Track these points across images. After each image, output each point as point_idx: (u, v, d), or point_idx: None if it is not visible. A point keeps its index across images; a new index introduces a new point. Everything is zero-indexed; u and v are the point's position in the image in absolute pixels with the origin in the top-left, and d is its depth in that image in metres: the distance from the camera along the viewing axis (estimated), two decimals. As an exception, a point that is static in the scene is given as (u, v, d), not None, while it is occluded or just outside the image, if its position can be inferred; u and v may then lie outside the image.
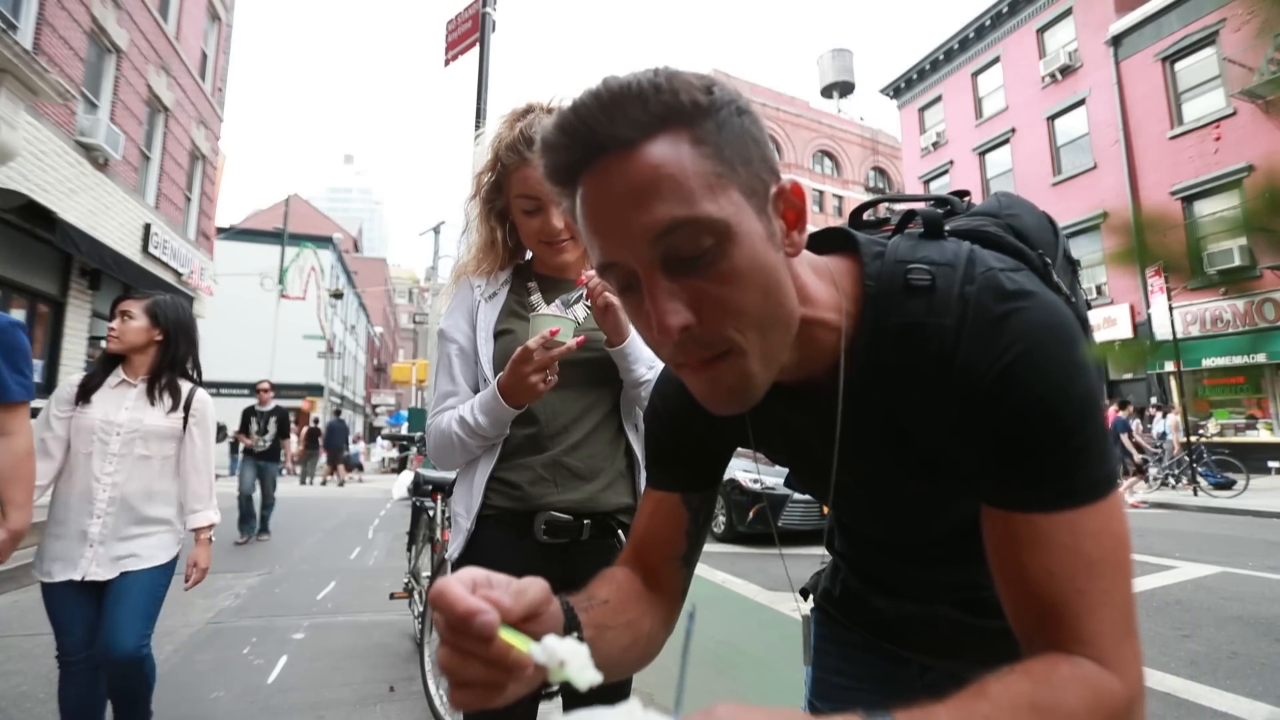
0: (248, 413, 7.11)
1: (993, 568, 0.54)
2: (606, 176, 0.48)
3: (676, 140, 0.48)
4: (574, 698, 1.09)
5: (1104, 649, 0.48)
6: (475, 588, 0.42)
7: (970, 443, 0.54)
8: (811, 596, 0.94)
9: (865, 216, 0.75)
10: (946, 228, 0.65)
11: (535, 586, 0.46)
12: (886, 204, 0.75)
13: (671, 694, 0.41)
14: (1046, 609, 0.50)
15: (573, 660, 0.41)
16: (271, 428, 7.04)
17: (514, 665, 0.41)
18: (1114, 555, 0.50)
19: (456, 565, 1.24)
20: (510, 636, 0.41)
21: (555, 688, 0.46)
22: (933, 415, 0.57)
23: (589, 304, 1.31)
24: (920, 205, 0.68)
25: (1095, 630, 0.48)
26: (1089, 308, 0.77)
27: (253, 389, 8.07)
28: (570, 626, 0.53)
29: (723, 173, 0.49)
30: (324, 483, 16.64)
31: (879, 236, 0.66)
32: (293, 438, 18.11)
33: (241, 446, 7.19)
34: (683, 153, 0.48)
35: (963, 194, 0.73)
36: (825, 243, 0.66)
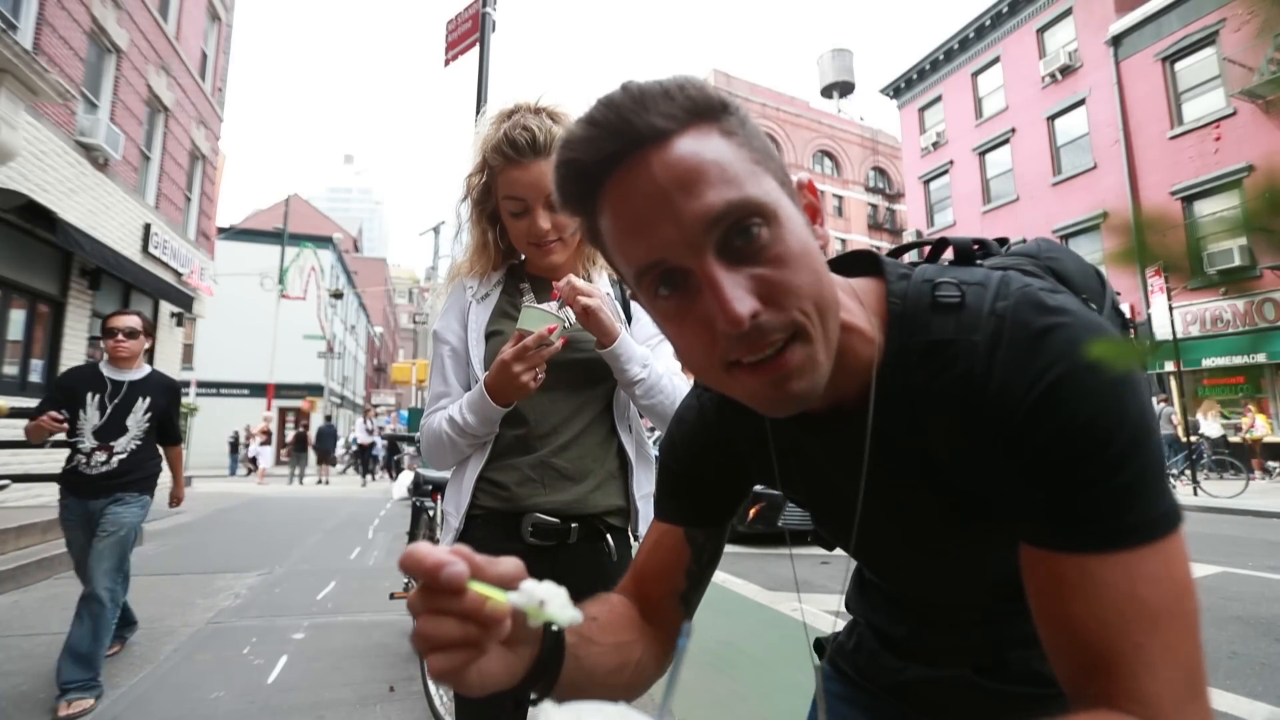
0: (72, 378, 3.11)
1: (1035, 615, 0.49)
2: (646, 168, 0.47)
3: (707, 133, 0.48)
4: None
5: (1164, 712, 0.42)
6: (446, 550, 0.42)
7: (1007, 474, 0.49)
8: (825, 653, 0.88)
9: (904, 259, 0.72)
10: (979, 262, 0.62)
11: (508, 561, 0.43)
12: (929, 246, 0.71)
13: (674, 696, 0.41)
14: (1098, 662, 0.44)
15: (553, 599, 0.40)
16: (134, 418, 3.00)
17: (489, 618, 0.40)
18: (1177, 605, 0.44)
19: None
20: (483, 589, 0.40)
21: (535, 697, 0.45)
22: (965, 443, 0.52)
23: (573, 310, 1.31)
24: (957, 240, 0.66)
25: (1155, 691, 0.42)
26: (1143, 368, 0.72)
27: (253, 389, 7.90)
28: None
29: (759, 160, 0.49)
30: (319, 482, 17.44)
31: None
32: (257, 447, 18.24)
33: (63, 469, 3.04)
34: (716, 143, 0.48)
35: (1002, 241, 0.69)
36: (850, 266, 0.63)
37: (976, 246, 0.66)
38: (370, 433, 18.56)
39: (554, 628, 0.47)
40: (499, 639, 0.42)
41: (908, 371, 0.54)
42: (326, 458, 18.09)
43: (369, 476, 18.12)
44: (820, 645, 0.87)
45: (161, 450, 3.25)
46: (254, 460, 19.86)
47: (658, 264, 0.48)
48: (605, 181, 0.49)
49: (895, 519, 0.62)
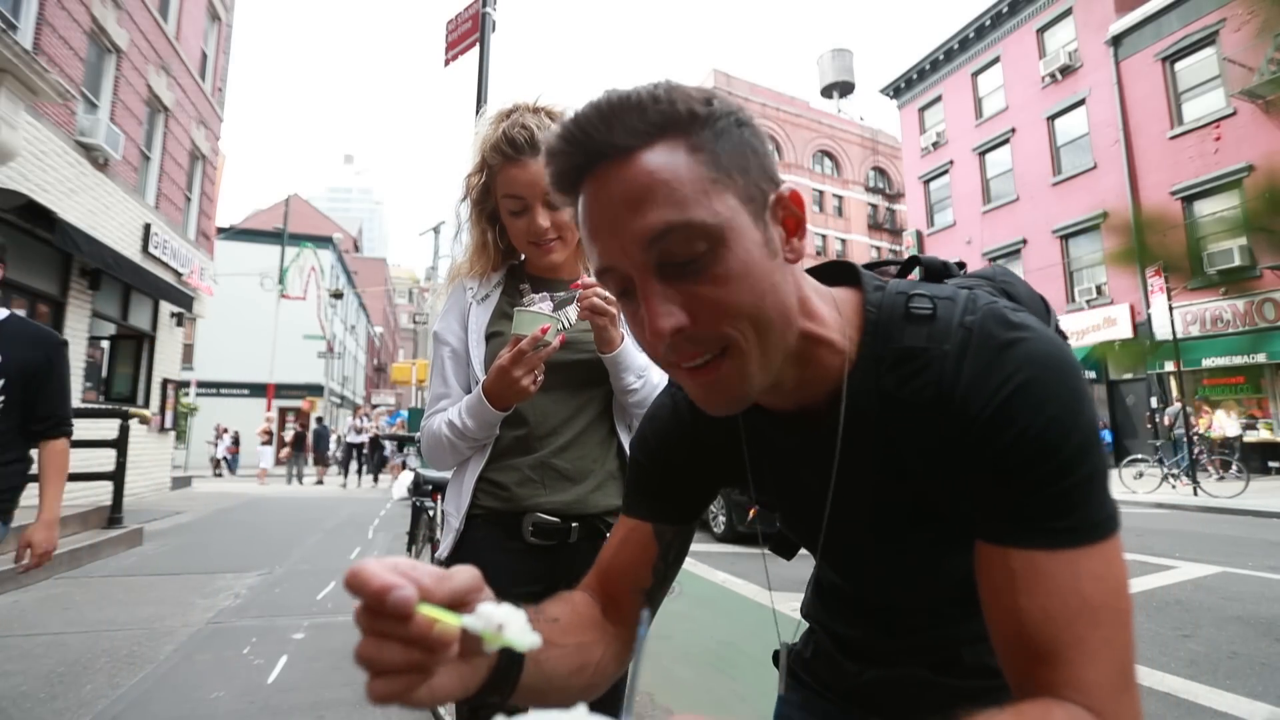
0: None
1: (985, 609, 0.53)
2: (605, 182, 0.50)
3: (673, 148, 0.49)
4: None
5: (1102, 700, 0.46)
6: (395, 569, 0.41)
7: (969, 476, 0.53)
8: (783, 659, 0.89)
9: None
10: (944, 281, 0.67)
11: (463, 574, 0.43)
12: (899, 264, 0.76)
13: (671, 694, 0.41)
14: (1043, 653, 0.48)
15: (511, 622, 0.39)
16: None
17: (436, 642, 0.39)
18: (1115, 602, 0.48)
19: (446, 565, 1.25)
20: (433, 612, 0.38)
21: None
22: (929, 447, 0.56)
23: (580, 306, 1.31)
24: (922, 259, 0.71)
25: (1094, 681, 0.46)
26: None
27: (253, 389, 7.86)
28: None
29: (718, 179, 0.50)
30: (317, 482, 17.26)
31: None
32: (265, 447, 16.28)
33: None
34: (678, 160, 0.49)
35: (961, 264, 0.75)
36: (829, 275, 0.66)
37: (942, 266, 0.71)
38: (359, 432, 17.54)
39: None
40: (446, 661, 0.41)
41: (880, 377, 0.58)
42: (321, 459, 17.93)
43: (356, 477, 17.13)
44: (777, 656, 0.88)
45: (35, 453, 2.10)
46: (222, 461, 19.95)
47: (609, 269, 0.52)
48: (579, 185, 0.52)
49: (861, 519, 0.65)
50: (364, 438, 17.48)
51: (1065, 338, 0.73)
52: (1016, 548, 0.50)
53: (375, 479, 17.24)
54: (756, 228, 0.51)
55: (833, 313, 0.59)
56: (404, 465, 15.98)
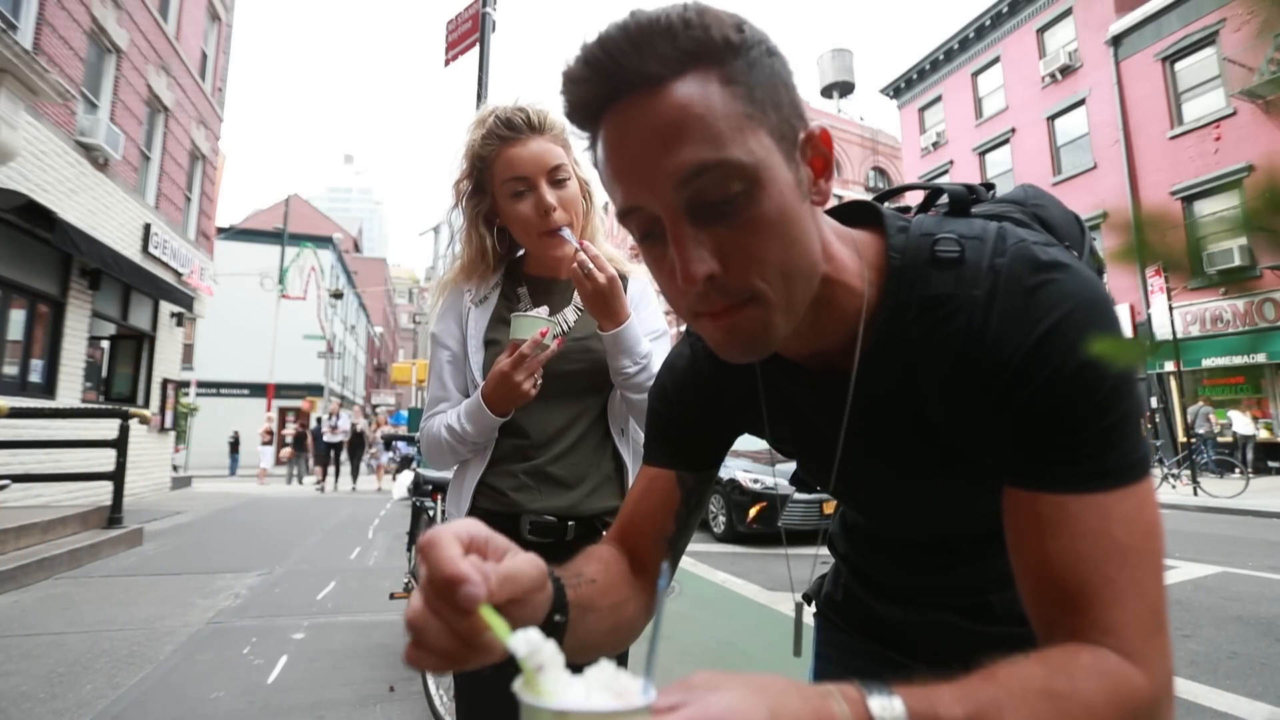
0: None
1: (1012, 554, 0.51)
2: (631, 115, 0.46)
3: (706, 79, 0.46)
4: None
5: (1130, 642, 0.45)
6: (471, 546, 0.41)
7: (998, 424, 0.51)
8: (814, 602, 0.92)
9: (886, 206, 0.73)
10: (972, 210, 0.63)
11: (529, 571, 0.43)
12: (924, 191, 0.72)
13: (659, 651, 0.40)
14: (1070, 596, 0.46)
15: (551, 666, 0.37)
16: None
17: (483, 646, 0.39)
18: (1146, 544, 0.47)
19: None
20: (490, 617, 0.38)
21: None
22: (957, 397, 0.54)
23: (579, 304, 1.30)
24: (951, 186, 0.66)
25: (1122, 621, 0.45)
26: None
27: (253, 389, 7.88)
28: (558, 607, 0.52)
29: (753, 114, 0.47)
30: (317, 482, 16.24)
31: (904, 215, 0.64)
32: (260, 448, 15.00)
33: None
34: (712, 92, 0.46)
35: (989, 185, 0.71)
36: (849, 216, 0.63)
37: (969, 193, 0.67)
38: (335, 430, 15.08)
39: (558, 616, 0.48)
40: (484, 663, 0.41)
41: (905, 325, 0.55)
42: (319, 459, 17.04)
43: (333, 480, 14.99)
44: (809, 598, 0.90)
45: None
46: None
47: (635, 209, 0.49)
48: (600, 116, 0.49)
49: (880, 465, 0.64)
50: (340, 437, 15.20)
51: (1101, 264, 0.72)
52: (1046, 492, 0.49)
53: (354, 481, 15.18)
54: (789, 168, 0.49)
55: (853, 256, 0.57)
56: (398, 466, 15.34)
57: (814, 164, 0.52)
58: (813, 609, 0.91)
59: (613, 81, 0.46)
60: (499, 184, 1.24)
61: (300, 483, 16.84)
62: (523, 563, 0.44)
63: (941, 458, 0.59)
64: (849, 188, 33.58)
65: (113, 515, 6.36)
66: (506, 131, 1.21)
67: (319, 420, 16.97)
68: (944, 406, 0.55)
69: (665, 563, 0.44)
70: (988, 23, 19.41)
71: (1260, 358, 13.56)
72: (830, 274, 0.55)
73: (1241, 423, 12.89)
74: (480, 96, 5.30)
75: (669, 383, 0.74)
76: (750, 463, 7.12)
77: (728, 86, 0.46)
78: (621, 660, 1.06)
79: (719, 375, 0.69)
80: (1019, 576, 0.51)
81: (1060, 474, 0.48)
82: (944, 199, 0.66)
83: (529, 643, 0.36)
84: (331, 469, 15.26)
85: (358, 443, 15.76)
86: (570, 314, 1.31)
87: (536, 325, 1.15)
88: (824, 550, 0.93)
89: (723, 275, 0.47)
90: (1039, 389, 0.48)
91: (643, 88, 0.46)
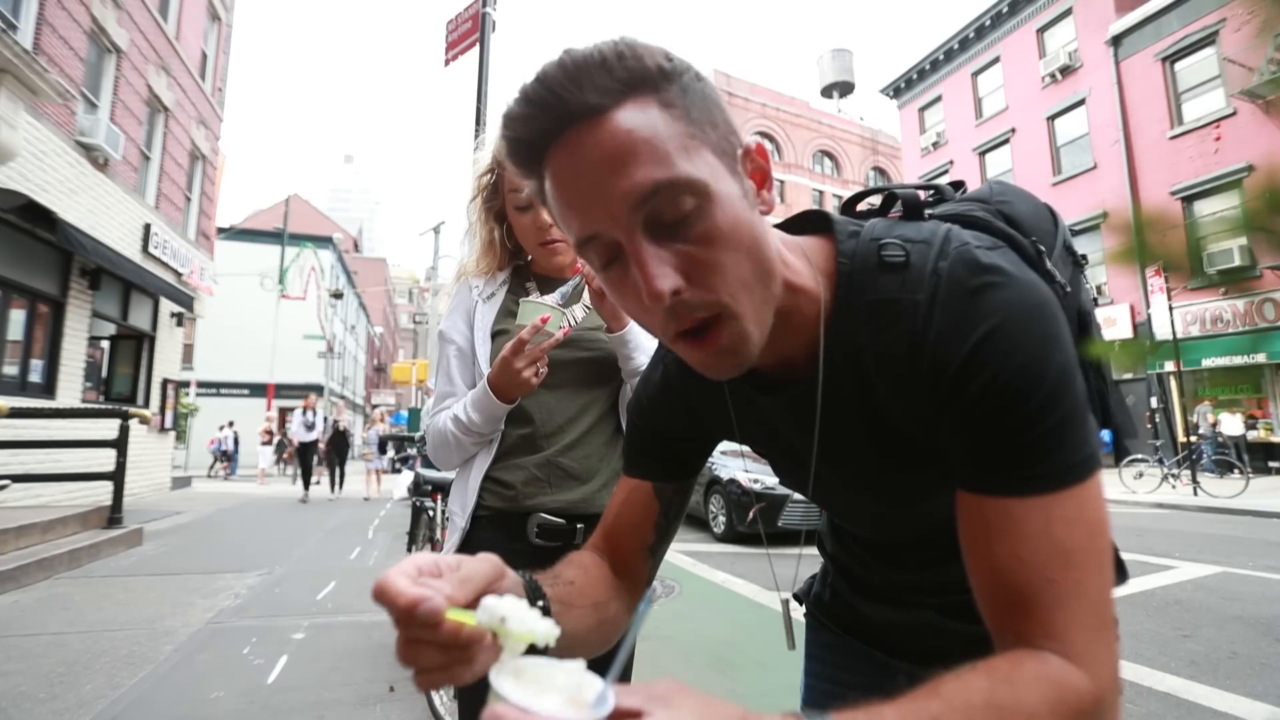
0: None
1: (965, 557, 0.52)
2: (580, 146, 0.47)
3: (645, 105, 0.47)
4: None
5: (1074, 644, 0.45)
6: (420, 574, 0.42)
7: (943, 425, 0.52)
8: (803, 603, 0.93)
9: (860, 208, 0.74)
10: (929, 211, 0.64)
11: (483, 567, 0.45)
12: (882, 194, 0.73)
13: (625, 657, 0.42)
14: (1016, 600, 0.47)
15: (513, 614, 0.40)
16: None
17: (469, 641, 0.41)
18: (1089, 544, 0.48)
19: None
20: (460, 616, 0.40)
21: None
22: (907, 397, 0.55)
23: (588, 303, 1.31)
24: (905, 189, 0.67)
25: (1066, 624, 0.46)
26: (1095, 304, 0.75)
27: (253, 389, 7.79)
28: (534, 599, 0.53)
29: (695, 134, 0.49)
30: (315, 482, 15.07)
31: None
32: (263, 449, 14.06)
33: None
34: (653, 116, 0.47)
35: (958, 184, 0.72)
36: (801, 226, 0.65)
37: (932, 193, 0.69)
38: (309, 428, 12.44)
39: (539, 605, 0.49)
40: (485, 652, 0.42)
41: (854, 330, 0.57)
42: (297, 461, 16.58)
43: (310, 482, 12.48)
44: (797, 597, 0.92)
45: None
46: (220, 457, 18.74)
47: (593, 237, 0.50)
48: (545, 154, 0.50)
49: (846, 470, 0.65)
50: (316, 435, 12.74)
51: (1079, 257, 0.71)
52: (990, 495, 0.50)
53: (334, 487, 12.97)
54: (735, 181, 0.51)
55: (804, 264, 0.58)
56: (395, 468, 14.51)
57: (754, 177, 0.53)
58: (802, 609, 0.93)
59: (556, 115, 0.47)
60: (508, 191, 1.29)
61: (295, 483, 16.43)
62: (474, 561, 0.45)
63: (909, 458, 0.60)
64: (849, 188, 33.56)
65: (113, 515, 6.36)
66: None
67: (292, 416, 13.82)
68: (899, 409, 0.56)
69: (649, 589, 0.45)
70: (988, 23, 19.41)
71: (1260, 358, 13.57)
72: (790, 280, 0.56)
73: (1230, 423, 12.89)
74: (480, 96, 5.30)
75: (644, 397, 0.75)
76: (750, 463, 7.12)
77: (667, 110, 0.48)
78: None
79: (690, 387, 0.71)
80: (973, 581, 0.52)
81: (1002, 478, 0.49)
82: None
83: (486, 607, 0.40)
84: (324, 471, 13.65)
85: (340, 442, 13.43)
86: (579, 311, 1.32)
87: (540, 311, 1.15)
88: (810, 550, 0.94)
89: (688, 289, 0.49)
90: (976, 395, 0.49)
91: (586, 118, 0.47)
